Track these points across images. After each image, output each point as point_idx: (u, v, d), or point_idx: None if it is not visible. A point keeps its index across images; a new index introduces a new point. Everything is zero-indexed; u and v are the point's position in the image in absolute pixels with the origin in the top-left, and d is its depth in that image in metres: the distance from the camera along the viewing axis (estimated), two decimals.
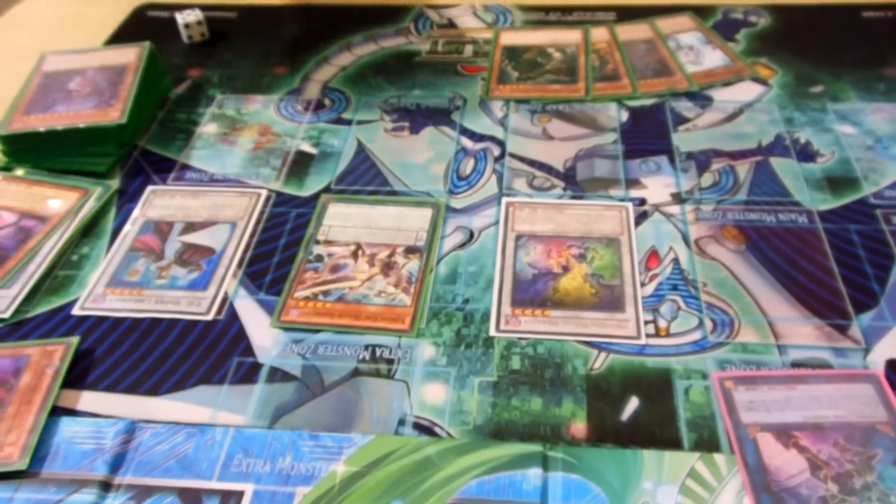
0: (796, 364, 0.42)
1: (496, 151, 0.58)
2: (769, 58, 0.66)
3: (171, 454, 0.39)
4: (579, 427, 0.39)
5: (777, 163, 0.55)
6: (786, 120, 0.59)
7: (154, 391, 0.42)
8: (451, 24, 0.74)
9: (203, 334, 0.45)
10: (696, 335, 0.44)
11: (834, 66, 0.64)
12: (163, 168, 0.58)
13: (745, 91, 0.62)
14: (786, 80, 0.63)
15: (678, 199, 0.52)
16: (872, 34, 0.68)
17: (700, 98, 0.62)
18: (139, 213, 0.54)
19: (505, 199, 0.53)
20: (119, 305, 0.47)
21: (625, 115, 0.61)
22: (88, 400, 0.42)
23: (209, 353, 0.44)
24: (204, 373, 0.43)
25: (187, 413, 0.41)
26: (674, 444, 0.38)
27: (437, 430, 0.40)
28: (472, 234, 0.51)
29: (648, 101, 0.62)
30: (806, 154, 0.55)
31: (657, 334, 0.44)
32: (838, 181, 0.53)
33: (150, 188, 0.56)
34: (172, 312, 0.47)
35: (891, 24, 0.70)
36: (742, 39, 0.68)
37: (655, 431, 0.39)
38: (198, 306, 0.47)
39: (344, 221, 0.52)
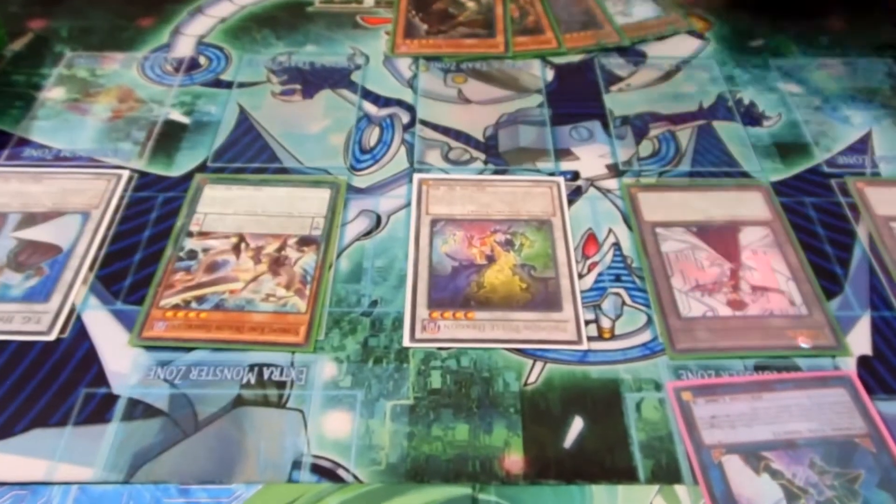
0: (760, 367, 0.36)
1: (405, 118, 0.49)
2: (704, 8, 0.60)
3: None
4: (515, 460, 0.33)
5: (721, 127, 0.49)
6: (726, 78, 0.53)
7: None
8: None
9: (40, 360, 0.36)
10: (646, 335, 0.37)
11: (773, 16, 0.59)
12: None
13: (681, 45, 0.56)
14: (723, 33, 0.57)
15: (615, 171, 0.46)
16: None
17: (632, 54, 0.55)
18: None
19: (417, 176, 0.45)
20: None
21: (550, 74, 0.53)
22: None
23: (47, 384, 0.35)
24: (40, 412, 0.34)
25: (15, 468, 0.32)
26: (627, 475, 0.32)
27: (341, 472, 0.32)
28: (379, 220, 0.43)
29: (576, 58, 0.55)
30: (751, 117, 0.50)
31: (600, 337, 0.37)
32: (788, 147, 0.47)
33: None
34: (2, 333, 0.37)
35: None
36: None
37: (605, 460, 0.33)
38: (37, 323, 0.37)
39: (223, 207, 0.43)
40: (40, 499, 0.31)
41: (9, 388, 0.35)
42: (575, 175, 0.45)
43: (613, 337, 0.37)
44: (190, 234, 0.42)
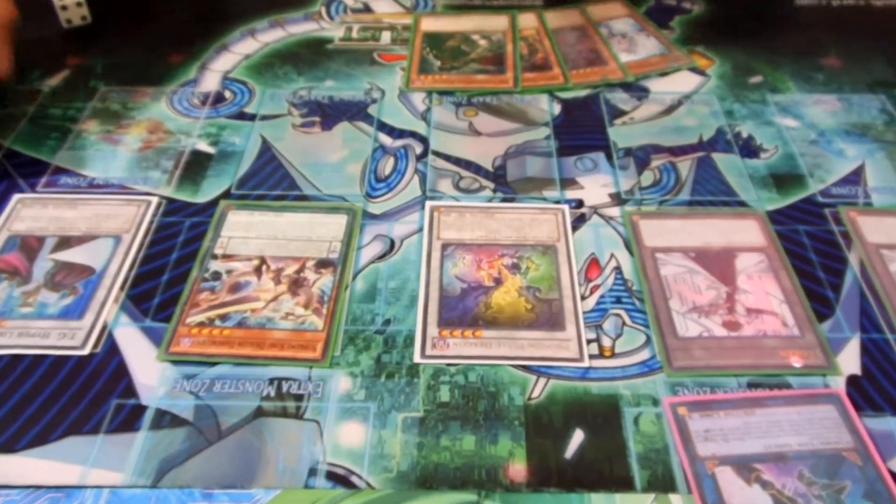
0: (753, 384, 0.38)
1: (418, 149, 0.52)
2: (705, 46, 0.62)
3: None
4: (518, 468, 0.34)
5: (720, 158, 0.51)
6: (726, 112, 0.55)
7: (10, 447, 0.35)
8: (366, 9, 0.68)
9: (74, 372, 0.38)
10: (644, 354, 0.39)
11: (771, 55, 0.61)
12: (32, 172, 0.50)
13: (683, 82, 0.58)
14: (724, 70, 0.60)
15: (618, 199, 0.48)
16: (807, 22, 0.66)
17: (636, 89, 0.58)
18: (2, 227, 0.46)
19: (429, 203, 0.48)
20: None
21: (557, 108, 0.56)
22: None
23: (81, 395, 0.37)
24: (74, 420, 0.36)
25: (51, 473, 0.34)
26: (625, 484, 0.34)
27: (354, 479, 0.34)
28: (392, 244, 0.45)
29: (582, 93, 0.57)
30: (749, 149, 0.52)
31: (601, 355, 0.39)
32: (784, 178, 0.50)
33: (16, 196, 0.48)
34: (40, 347, 0.39)
35: (824, 11, 0.67)
36: (677, 27, 0.65)
37: (604, 470, 0.34)
38: (71, 338, 0.40)
39: (246, 232, 0.46)
40: (74, 501, 0.33)
41: (45, 399, 0.37)
42: (579, 203, 0.48)
43: (614, 355, 0.39)
44: (214, 257, 0.44)
